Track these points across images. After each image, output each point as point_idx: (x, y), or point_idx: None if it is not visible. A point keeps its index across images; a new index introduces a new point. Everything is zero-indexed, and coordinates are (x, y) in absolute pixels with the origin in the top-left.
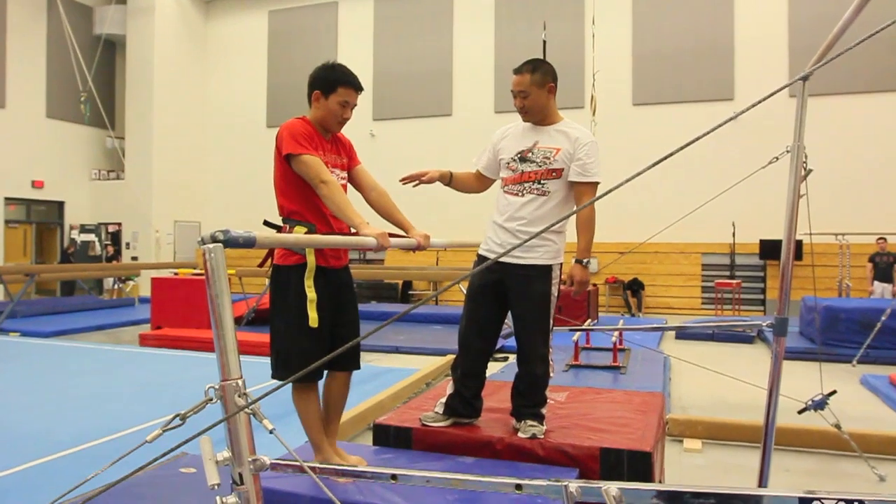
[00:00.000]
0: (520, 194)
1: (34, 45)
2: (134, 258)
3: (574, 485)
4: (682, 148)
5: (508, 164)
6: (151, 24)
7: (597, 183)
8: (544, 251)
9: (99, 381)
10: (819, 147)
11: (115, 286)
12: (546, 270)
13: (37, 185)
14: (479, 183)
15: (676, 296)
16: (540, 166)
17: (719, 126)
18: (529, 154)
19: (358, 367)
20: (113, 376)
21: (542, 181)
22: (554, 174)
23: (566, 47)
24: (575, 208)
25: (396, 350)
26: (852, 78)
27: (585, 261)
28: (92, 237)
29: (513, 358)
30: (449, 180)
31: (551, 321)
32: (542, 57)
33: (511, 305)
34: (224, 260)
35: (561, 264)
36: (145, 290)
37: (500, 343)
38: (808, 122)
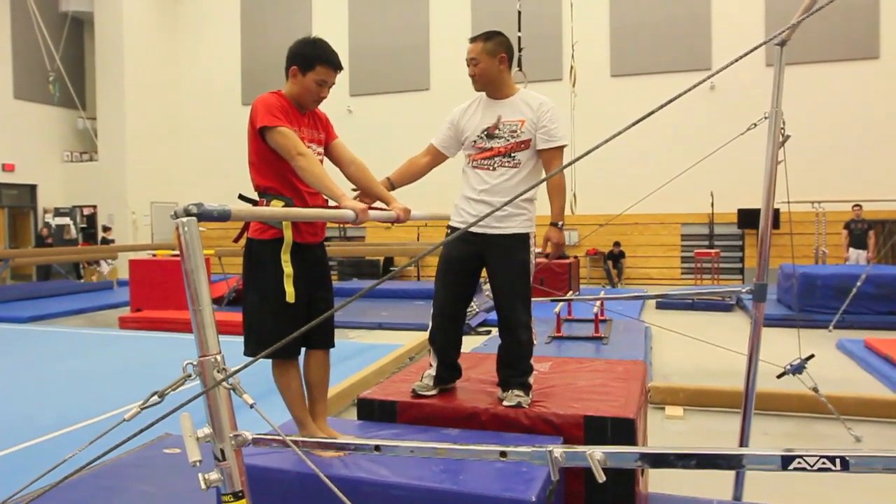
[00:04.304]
0: (491, 168)
1: None
2: (111, 240)
3: (559, 450)
4: (651, 113)
5: (475, 142)
6: (119, 0)
7: (563, 146)
8: (522, 220)
9: (79, 365)
10: (795, 116)
11: (94, 266)
12: (525, 239)
13: (7, 168)
14: (431, 161)
15: (656, 266)
16: (508, 140)
17: (692, 88)
18: (496, 130)
19: (332, 345)
20: (93, 360)
21: (512, 154)
22: (523, 145)
23: (544, 19)
24: (545, 174)
25: (380, 326)
26: (828, 46)
27: (560, 223)
28: (67, 220)
29: (495, 331)
30: (391, 187)
31: (531, 289)
32: (517, 28)
33: (492, 276)
34: (198, 234)
35: (534, 233)
36: (123, 273)
37: (483, 317)
38: (784, 90)
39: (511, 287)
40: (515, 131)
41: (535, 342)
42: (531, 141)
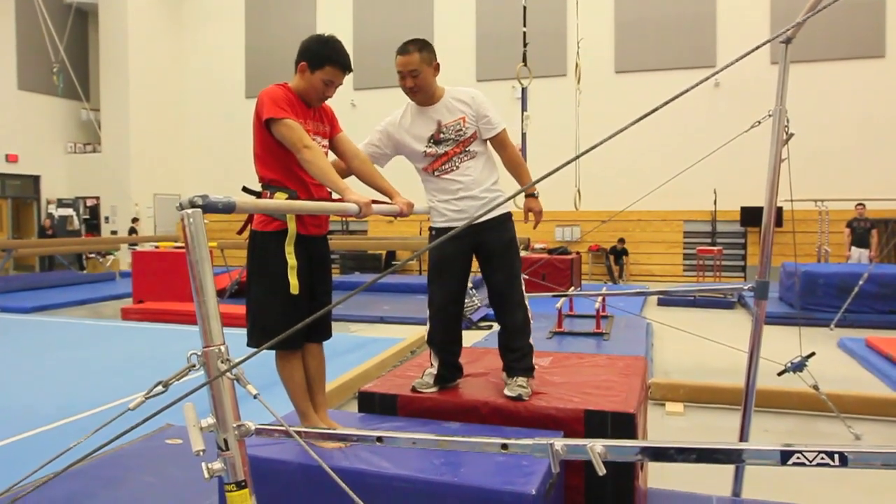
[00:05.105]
0: (455, 168)
1: (3, 14)
2: (113, 232)
3: (560, 443)
4: (655, 110)
5: (425, 152)
6: None
7: (504, 128)
8: (501, 201)
9: (81, 356)
10: (799, 114)
11: (96, 256)
12: (509, 217)
13: (11, 159)
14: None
15: (658, 263)
16: (457, 140)
17: (697, 85)
18: (441, 135)
19: (329, 337)
20: (95, 351)
21: (466, 149)
22: (471, 139)
23: (548, 15)
24: (499, 158)
25: (381, 320)
26: (833, 44)
27: (536, 193)
28: (70, 212)
29: (497, 327)
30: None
31: (521, 267)
32: (523, 23)
33: (486, 261)
34: (203, 225)
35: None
36: (125, 265)
37: (484, 312)
38: (789, 88)
39: (508, 266)
40: (460, 130)
41: (531, 319)
42: (476, 132)
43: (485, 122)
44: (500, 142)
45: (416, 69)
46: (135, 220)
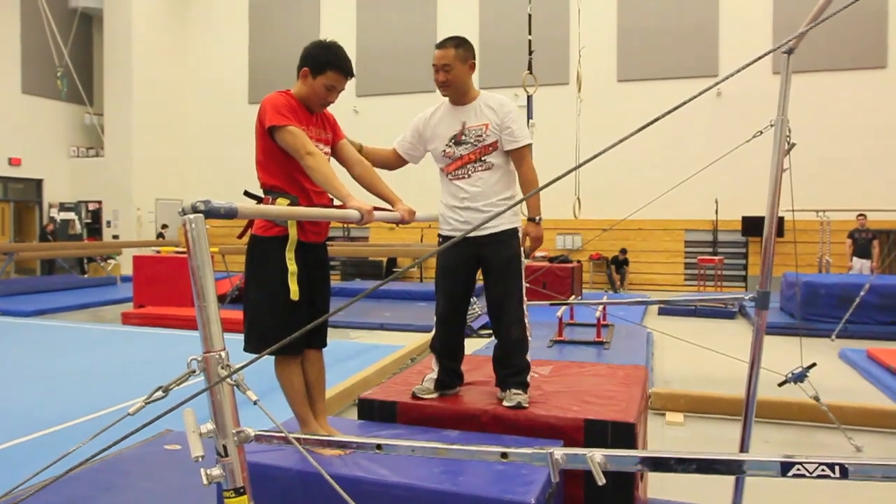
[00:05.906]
0: (467, 176)
1: (8, 18)
2: (115, 237)
3: (559, 452)
4: (657, 119)
5: (444, 151)
6: None
7: (528, 144)
8: (508, 215)
9: (82, 360)
10: (801, 124)
11: (98, 261)
12: (514, 232)
13: (14, 162)
14: (395, 162)
15: (659, 272)
16: (476, 145)
17: (699, 94)
18: (462, 137)
19: (325, 345)
20: (96, 355)
21: (482, 158)
22: (490, 148)
23: (550, 23)
24: (517, 173)
25: (381, 327)
26: (836, 55)
27: (537, 218)
28: (72, 215)
29: None
30: (359, 149)
31: (523, 283)
32: (528, 31)
33: (488, 274)
34: (205, 231)
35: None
36: (127, 269)
37: (485, 319)
38: (791, 98)
39: (506, 282)
40: (481, 135)
41: (529, 337)
42: (498, 142)
43: (507, 133)
44: (519, 157)
45: (450, 64)
46: (164, 226)
